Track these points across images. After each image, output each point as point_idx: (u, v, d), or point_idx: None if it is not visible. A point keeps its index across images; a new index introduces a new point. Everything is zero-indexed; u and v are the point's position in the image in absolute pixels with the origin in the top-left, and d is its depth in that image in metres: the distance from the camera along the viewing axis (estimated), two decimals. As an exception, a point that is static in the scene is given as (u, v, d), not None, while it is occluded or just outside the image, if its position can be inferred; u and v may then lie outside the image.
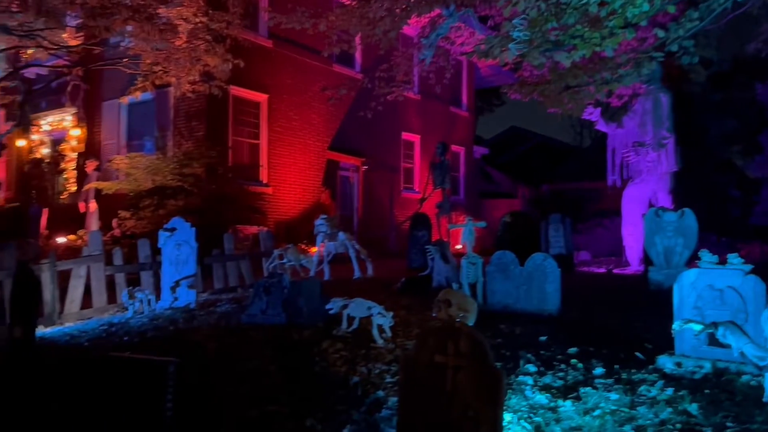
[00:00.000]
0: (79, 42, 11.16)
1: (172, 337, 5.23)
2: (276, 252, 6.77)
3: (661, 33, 6.37)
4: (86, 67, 10.57)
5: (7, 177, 15.61)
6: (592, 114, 11.36)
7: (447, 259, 6.79)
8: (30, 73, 13.49)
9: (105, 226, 12.29)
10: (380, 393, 3.74)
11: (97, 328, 5.94)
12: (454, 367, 2.68)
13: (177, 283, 6.92)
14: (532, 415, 3.40)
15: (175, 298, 6.88)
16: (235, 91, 13.12)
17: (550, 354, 4.54)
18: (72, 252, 10.03)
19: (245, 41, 11.13)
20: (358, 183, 16.85)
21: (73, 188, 14.54)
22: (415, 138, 18.74)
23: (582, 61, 8.37)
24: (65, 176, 14.82)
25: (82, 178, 14.24)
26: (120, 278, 7.56)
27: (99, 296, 7.32)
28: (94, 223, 12.69)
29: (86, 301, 7.23)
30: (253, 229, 13.30)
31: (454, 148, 19.84)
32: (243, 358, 4.56)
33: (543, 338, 4.95)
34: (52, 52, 9.74)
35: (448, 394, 2.71)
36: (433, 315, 3.83)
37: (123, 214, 11.57)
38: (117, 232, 11.71)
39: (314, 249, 13.76)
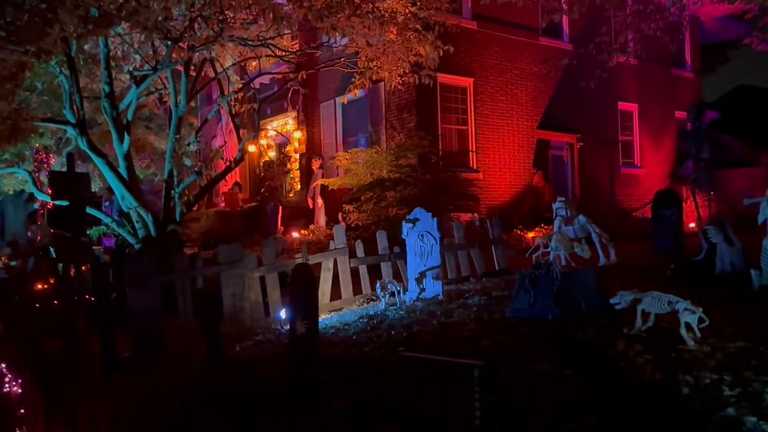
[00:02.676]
0: (296, 47, 11.78)
1: (438, 332, 5.04)
2: (539, 240, 6.31)
3: None
4: (307, 71, 11.06)
5: (241, 179, 17.35)
6: None
7: (731, 241, 5.74)
8: (255, 82, 14.74)
9: (331, 220, 12.94)
10: (729, 410, 3.07)
11: (357, 321, 6.00)
12: None
13: (422, 274, 6.82)
14: None
15: (422, 289, 6.78)
16: (442, 78, 12.94)
17: None
18: (307, 246, 10.60)
19: (451, 26, 10.87)
20: (572, 161, 15.73)
21: (298, 186, 15.63)
22: (633, 107, 16.99)
23: None
24: (291, 176, 16.02)
25: (305, 176, 15.23)
26: (363, 270, 7.71)
27: (346, 287, 7.53)
28: (321, 218, 13.44)
29: (332, 293, 7.46)
30: (467, 216, 13.03)
31: (677, 114, 17.67)
32: (528, 358, 4.16)
33: None
34: (282, 58, 10.34)
35: None
36: None
37: (347, 207, 12.02)
38: (342, 225, 12.23)
39: (530, 234, 13.09)
